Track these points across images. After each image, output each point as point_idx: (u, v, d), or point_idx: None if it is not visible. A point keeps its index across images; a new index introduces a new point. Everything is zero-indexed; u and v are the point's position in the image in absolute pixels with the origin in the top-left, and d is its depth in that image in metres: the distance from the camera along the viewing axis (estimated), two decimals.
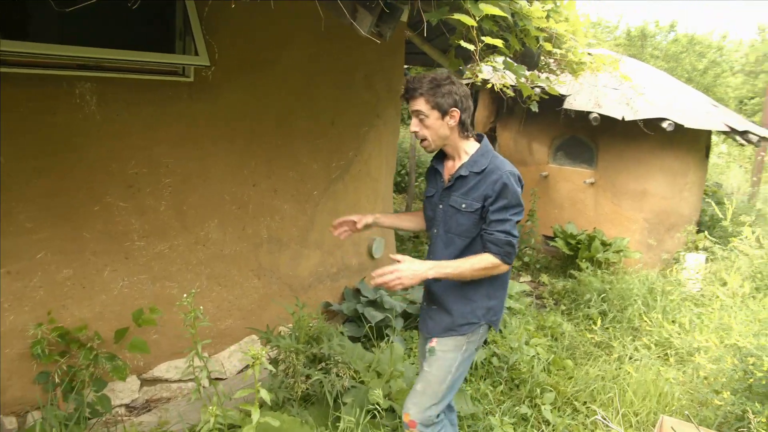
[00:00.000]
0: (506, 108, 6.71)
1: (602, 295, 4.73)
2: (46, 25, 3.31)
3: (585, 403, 3.42)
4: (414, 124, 2.07)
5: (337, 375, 2.59)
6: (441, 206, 2.18)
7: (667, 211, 6.04)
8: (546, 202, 6.53)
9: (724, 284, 4.82)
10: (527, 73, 4.63)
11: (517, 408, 3.22)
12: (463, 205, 2.09)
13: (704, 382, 3.44)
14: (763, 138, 5.69)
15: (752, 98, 16.31)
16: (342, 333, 2.97)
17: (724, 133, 5.43)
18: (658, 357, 3.99)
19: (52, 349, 2.50)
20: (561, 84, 4.68)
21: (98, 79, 2.59)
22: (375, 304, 3.92)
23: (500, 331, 3.99)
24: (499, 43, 2.06)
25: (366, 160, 4.16)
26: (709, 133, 6.31)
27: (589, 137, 6.19)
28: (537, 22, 3.04)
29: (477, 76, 6.37)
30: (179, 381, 3.20)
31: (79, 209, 2.64)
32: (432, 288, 2.28)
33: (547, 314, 4.67)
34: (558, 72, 4.63)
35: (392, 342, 3.13)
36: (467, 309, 2.17)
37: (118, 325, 2.84)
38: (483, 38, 2.06)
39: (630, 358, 3.93)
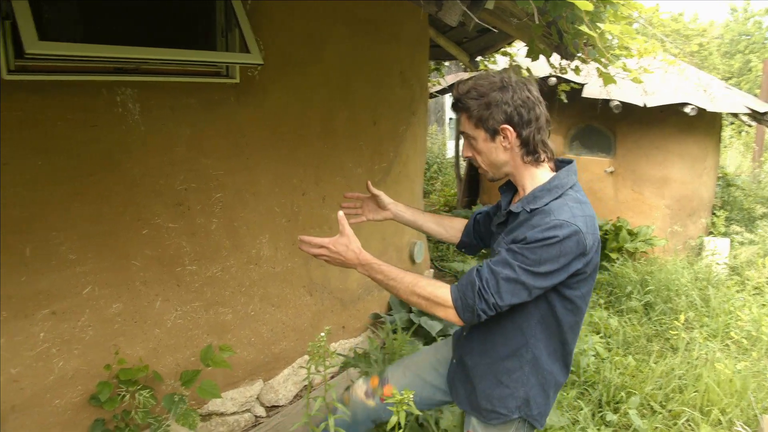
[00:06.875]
0: None
1: (647, 288, 4.57)
2: (65, 26, 2.93)
3: (660, 403, 3.25)
4: (465, 148, 1.61)
5: None
6: (494, 245, 1.70)
7: (689, 197, 5.95)
8: None
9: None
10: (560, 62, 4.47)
11: (602, 413, 3.03)
12: (498, 248, 1.56)
13: None
14: None
15: (729, 78, 16.62)
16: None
17: (746, 115, 5.36)
18: (720, 350, 3.85)
19: (114, 394, 2.18)
20: (577, 74, 4.51)
21: (139, 84, 2.26)
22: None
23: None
24: (615, 31, 1.84)
25: (404, 161, 3.90)
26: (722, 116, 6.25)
27: (606, 125, 6.05)
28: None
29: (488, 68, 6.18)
30: (235, 413, 2.90)
31: (126, 234, 2.32)
32: (461, 341, 1.76)
33: (592, 309, 4.50)
34: (588, 60, 4.46)
35: None
36: (495, 393, 1.62)
37: (173, 361, 2.54)
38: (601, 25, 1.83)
39: (690, 351, 3.78)
